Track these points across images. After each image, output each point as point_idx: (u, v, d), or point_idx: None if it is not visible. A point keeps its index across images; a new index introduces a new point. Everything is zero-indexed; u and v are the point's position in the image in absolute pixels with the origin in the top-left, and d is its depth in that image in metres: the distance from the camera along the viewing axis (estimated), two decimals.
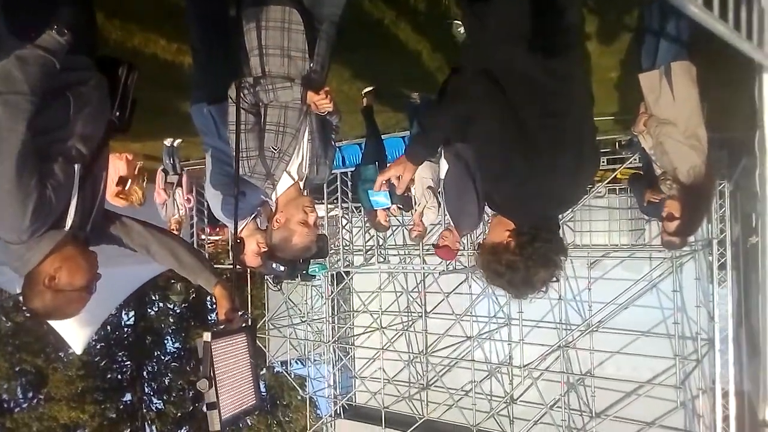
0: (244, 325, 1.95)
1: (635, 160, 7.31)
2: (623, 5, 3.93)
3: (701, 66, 3.08)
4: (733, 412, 8.10)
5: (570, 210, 7.66)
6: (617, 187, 8.77)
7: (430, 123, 2.12)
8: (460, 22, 4.10)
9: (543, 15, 1.79)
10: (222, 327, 1.91)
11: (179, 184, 8.15)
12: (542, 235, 1.81)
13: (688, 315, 8.50)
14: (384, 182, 2.11)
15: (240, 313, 1.98)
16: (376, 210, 5.67)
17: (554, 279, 1.88)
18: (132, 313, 20.39)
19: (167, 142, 7.80)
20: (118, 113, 1.89)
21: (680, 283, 8.25)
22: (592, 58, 4.66)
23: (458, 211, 3.86)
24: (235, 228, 2.07)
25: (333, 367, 12.37)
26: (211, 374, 1.67)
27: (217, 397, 1.68)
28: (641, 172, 4.12)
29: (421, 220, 5.91)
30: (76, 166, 1.71)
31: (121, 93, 1.88)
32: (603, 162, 8.19)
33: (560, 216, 2.08)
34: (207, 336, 1.69)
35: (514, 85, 1.81)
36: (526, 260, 1.78)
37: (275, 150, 2.28)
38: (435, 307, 10.26)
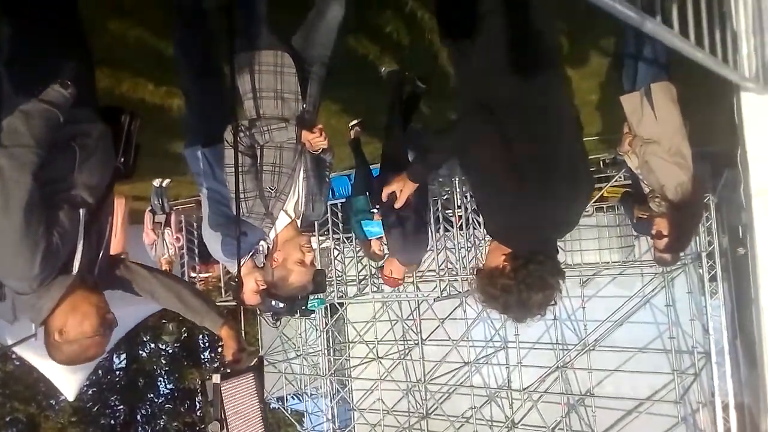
0: (251, 364, 1.97)
1: (620, 178, 7.44)
2: (599, 30, 4.05)
3: (681, 84, 3.17)
4: (734, 424, 8.11)
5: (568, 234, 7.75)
6: (605, 206, 8.88)
7: (427, 149, 2.20)
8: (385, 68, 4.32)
9: (521, 40, 1.86)
10: (230, 368, 1.92)
11: (167, 223, 8.14)
12: (536, 258, 1.83)
13: (683, 329, 8.54)
14: (381, 201, 2.21)
15: (250, 350, 1.99)
16: (370, 240, 5.70)
17: (552, 302, 1.91)
18: (123, 356, 20.05)
19: (156, 182, 7.81)
20: (122, 160, 1.93)
21: (673, 297, 8.33)
22: (572, 81, 4.78)
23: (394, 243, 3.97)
24: (239, 269, 2.10)
25: (331, 401, 12.22)
26: (222, 416, 1.68)
27: None
28: (630, 191, 4.21)
29: None
30: (81, 211, 1.74)
31: (125, 140, 1.93)
32: None
33: (558, 239, 2.11)
34: (216, 378, 1.71)
35: (503, 115, 1.87)
36: (519, 283, 1.81)
37: (272, 190, 2.33)
38: (431, 333, 10.23)
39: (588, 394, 8.91)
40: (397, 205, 2.22)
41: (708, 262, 8.30)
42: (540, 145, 1.82)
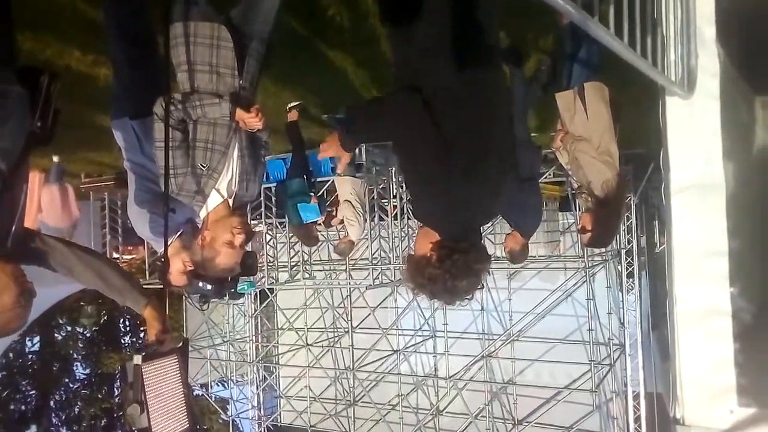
0: (175, 345, 1.90)
1: (550, 175, 7.70)
2: (539, 28, 4.15)
3: (612, 86, 3.30)
4: (644, 412, 8.60)
5: (490, 223, 7.95)
6: None
7: (356, 121, 2.16)
8: None
9: (463, 32, 1.88)
10: (153, 349, 1.84)
11: None
12: (461, 248, 1.87)
13: (601, 322, 8.96)
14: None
15: (175, 334, 1.92)
16: (306, 224, 5.66)
17: (478, 286, 1.96)
18: (37, 339, 19.06)
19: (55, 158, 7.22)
20: (39, 124, 1.80)
21: (593, 292, 8.69)
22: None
23: None
24: (165, 247, 2.01)
25: (257, 388, 12.08)
26: (143, 398, 1.62)
27: (149, 422, 1.63)
28: None
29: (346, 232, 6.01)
30: None
31: (43, 103, 1.79)
32: None
33: (481, 225, 2.16)
34: (137, 359, 1.64)
35: (437, 98, 1.87)
36: (444, 272, 1.85)
37: (204, 167, 2.25)
38: (361, 322, 10.27)
39: (510, 382, 9.22)
40: (339, 170, 2.21)
41: (626, 259, 8.73)
42: (472, 133, 1.83)
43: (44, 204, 6.95)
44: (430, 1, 1.87)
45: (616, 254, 8.78)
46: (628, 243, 8.66)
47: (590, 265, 8.34)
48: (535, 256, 9.03)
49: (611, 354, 8.68)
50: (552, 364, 9.21)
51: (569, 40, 3.40)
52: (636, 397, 8.77)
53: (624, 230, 8.38)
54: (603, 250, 7.78)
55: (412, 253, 2.02)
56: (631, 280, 9.02)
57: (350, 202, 5.80)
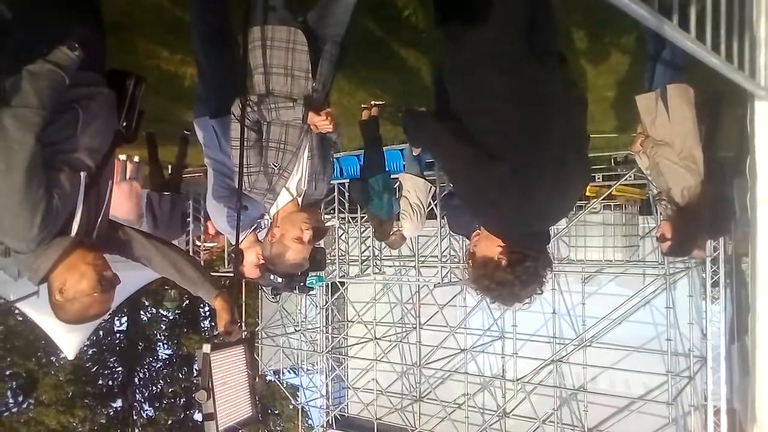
0: (242, 337, 1.99)
1: (630, 177, 7.40)
2: (619, 28, 4.00)
3: (697, 88, 3.12)
4: (724, 429, 8.13)
5: (565, 225, 7.73)
6: (612, 204, 8.83)
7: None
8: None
9: (522, 29, 1.79)
10: (221, 339, 1.94)
11: None
12: (532, 254, 1.84)
13: (681, 332, 8.53)
14: None
15: (249, 320, 2.02)
16: (391, 218, 5.76)
17: (539, 292, 1.92)
18: (125, 319, 20.31)
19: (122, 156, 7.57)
20: (125, 124, 1.93)
21: (673, 300, 8.28)
22: (588, 77, 4.73)
23: None
24: (237, 241, 2.10)
25: (326, 377, 12.35)
26: (210, 385, 1.71)
27: (215, 408, 1.71)
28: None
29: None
30: (81, 174, 1.75)
31: (128, 104, 1.93)
32: (599, 178, 8.26)
33: (549, 227, 2.11)
34: (206, 348, 1.73)
35: (492, 105, 1.80)
36: (515, 278, 1.82)
37: (276, 166, 2.32)
38: (429, 319, 10.28)
39: (581, 389, 8.96)
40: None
41: (712, 268, 8.26)
42: (524, 141, 1.75)
43: (114, 198, 7.31)
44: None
45: (700, 261, 8.32)
46: (714, 250, 8.19)
47: (671, 272, 7.95)
48: (612, 260, 8.72)
49: (691, 366, 8.25)
50: (627, 372, 8.86)
51: (652, 39, 3.25)
52: (717, 412, 8.29)
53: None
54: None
55: (474, 252, 1.99)
56: (716, 289, 8.52)
57: (407, 198, 5.88)
